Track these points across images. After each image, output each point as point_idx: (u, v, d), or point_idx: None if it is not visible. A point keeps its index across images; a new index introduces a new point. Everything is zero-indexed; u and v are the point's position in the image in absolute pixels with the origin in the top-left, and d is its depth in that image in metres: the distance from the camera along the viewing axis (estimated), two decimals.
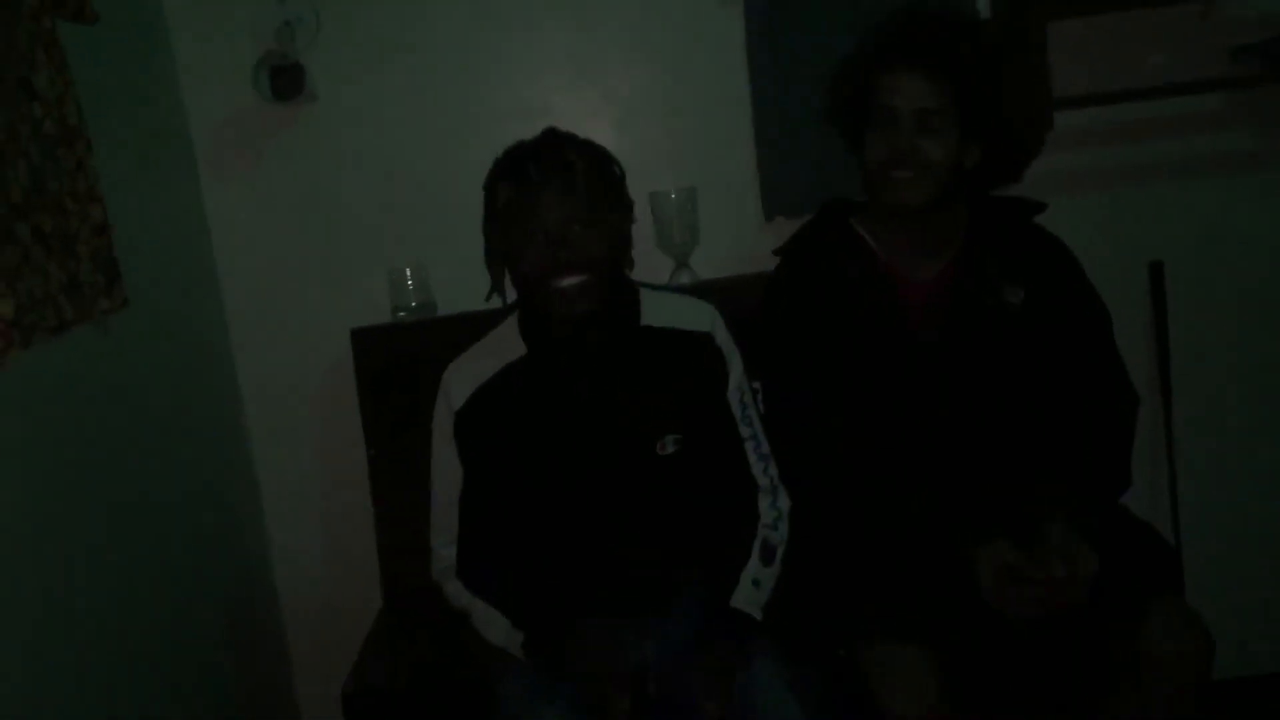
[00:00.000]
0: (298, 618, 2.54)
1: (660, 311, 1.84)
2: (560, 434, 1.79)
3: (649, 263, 2.22)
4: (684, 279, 2.34)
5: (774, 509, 1.84)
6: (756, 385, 1.89)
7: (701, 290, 2.13)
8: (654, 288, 1.89)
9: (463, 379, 1.82)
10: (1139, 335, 2.49)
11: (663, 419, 1.80)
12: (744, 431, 1.84)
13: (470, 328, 1.90)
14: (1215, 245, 2.51)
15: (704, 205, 2.36)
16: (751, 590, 1.77)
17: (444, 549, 1.84)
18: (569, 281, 1.70)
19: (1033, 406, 1.86)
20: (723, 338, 1.85)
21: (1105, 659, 1.76)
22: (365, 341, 2.31)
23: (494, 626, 1.76)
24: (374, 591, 2.30)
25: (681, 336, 1.83)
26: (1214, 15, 2.36)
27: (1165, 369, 2.49)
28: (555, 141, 1.75)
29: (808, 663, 1.77)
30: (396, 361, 2.27)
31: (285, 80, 2.26)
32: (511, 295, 1.83)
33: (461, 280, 2.35)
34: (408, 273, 2.35)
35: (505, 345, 1.83)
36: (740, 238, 2.42)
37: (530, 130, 1.78)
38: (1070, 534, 1.70)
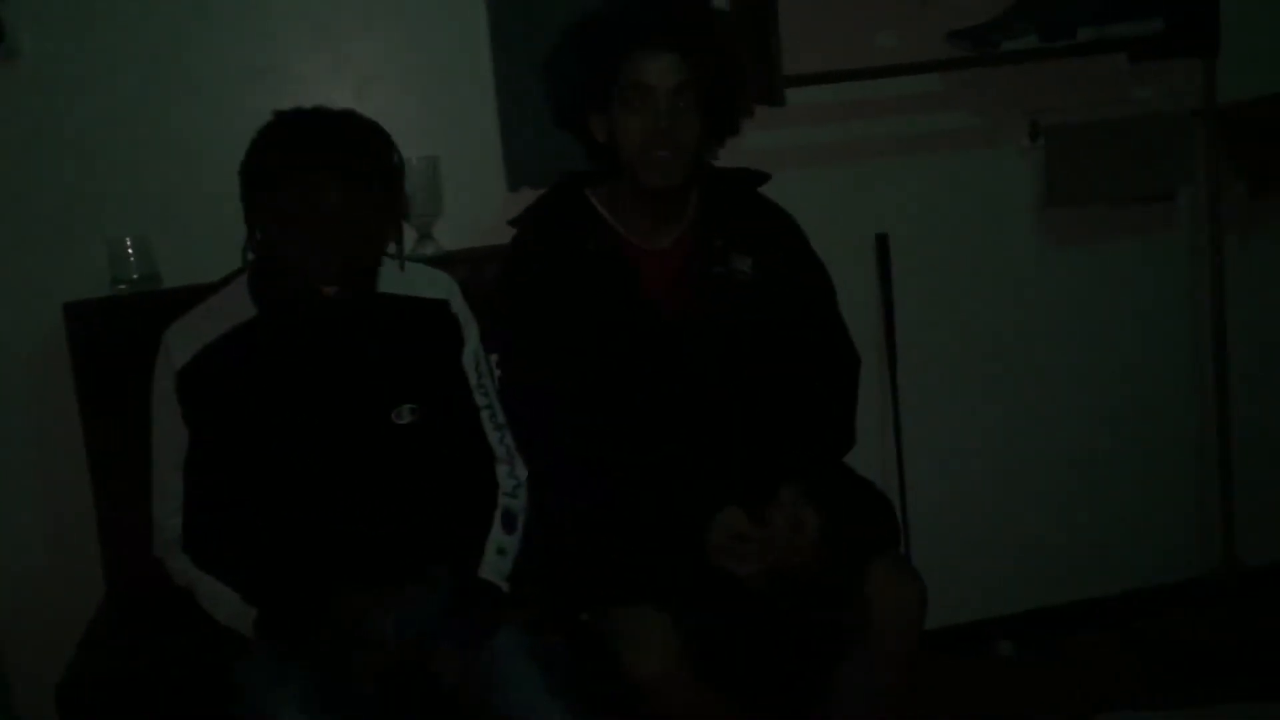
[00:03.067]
0: (14, 614, 2.36)
1: (396, 279, 1.81)
2: (291, 400, 1.73)
3: None
4: (428, 250, 2.29)
5: (512, 477, 1.84)
6: (494, 356, 1.89)
7: (445, 261, 2.11)
8: (391, 257, 1.85)
9: (185, 338, 1.73)
10: (867, 304, 2.61)
11: (398, 387, 1.77)
12: (480, 400, 1.84)
13: (198, 302, 1.79)
14: (935, 218, 2.66)
15: (448, 175, 2.32)
16: (497, 559, 1.77)
17: (168, 519, 1.74)
18: (329, 287, 1.71)
19: (765, 373, 1.93)
20: (459, 305, 1.84)
21: (837, 620, 1.85)
22: (80, 316, 2.14)
23: (221, 603, 1.69)
24: (97, 580, 2.17)
25: (417, 304, 1.81)
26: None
27: (891, 335, 2.63)
28: (334, 130, 1.69)
29: (552, 630, 1.79)
30: (116, 337, 2.12)
31: None
32: None
33: (188, 251, 2.25)
34: (128, 243, 2.20)
35: (232, 306, 1.75)
36: (485, 208, 2.39)
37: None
38: (798, 497, 1.78)
